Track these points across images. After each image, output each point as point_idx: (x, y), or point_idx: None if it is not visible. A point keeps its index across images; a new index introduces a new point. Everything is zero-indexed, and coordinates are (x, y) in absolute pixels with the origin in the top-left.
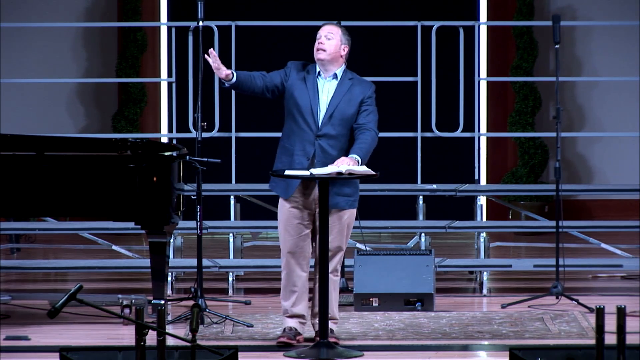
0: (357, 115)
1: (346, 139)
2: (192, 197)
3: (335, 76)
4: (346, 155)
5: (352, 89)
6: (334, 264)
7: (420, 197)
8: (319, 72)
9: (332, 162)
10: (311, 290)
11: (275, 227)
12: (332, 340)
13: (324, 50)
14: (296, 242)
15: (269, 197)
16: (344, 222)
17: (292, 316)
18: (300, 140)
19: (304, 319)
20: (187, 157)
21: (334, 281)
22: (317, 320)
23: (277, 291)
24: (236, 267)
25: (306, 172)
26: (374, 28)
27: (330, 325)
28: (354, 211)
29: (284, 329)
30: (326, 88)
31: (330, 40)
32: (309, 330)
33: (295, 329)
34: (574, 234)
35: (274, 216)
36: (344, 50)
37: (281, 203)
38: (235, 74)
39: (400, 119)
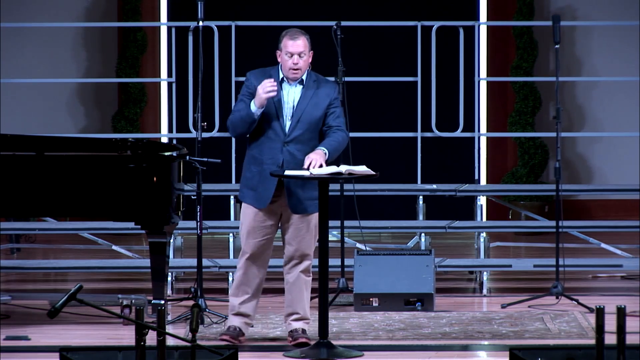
0: (325, 118)
1: (314, 142)
2: (192, 197)
3: (301, 81)
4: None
5: (317, 92)
6: (305, 264)
7: (420, 197)
8: (283, 78)
9: (301, 168)
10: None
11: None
12: (303, 340)
13: (300, 70)
14: (259, 245)
15: None
16: (312, 225)
17: (238, 314)
18: (268, 148)
19: (249, 320)
20: (187, 157)
21: (307, 281)
22: (291, 321)
23: (277, 291)
24: (236, 267)
25: (306, 173)
26: (374, 28)
27: (302, 325)
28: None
29: (229, 327)
30: (292, 93)
31: (303, 56)
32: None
33: (239, 329)
34: (574, 234)
35: None
36: (311, 57)
37: (246, 206)
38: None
39: (400, 119)
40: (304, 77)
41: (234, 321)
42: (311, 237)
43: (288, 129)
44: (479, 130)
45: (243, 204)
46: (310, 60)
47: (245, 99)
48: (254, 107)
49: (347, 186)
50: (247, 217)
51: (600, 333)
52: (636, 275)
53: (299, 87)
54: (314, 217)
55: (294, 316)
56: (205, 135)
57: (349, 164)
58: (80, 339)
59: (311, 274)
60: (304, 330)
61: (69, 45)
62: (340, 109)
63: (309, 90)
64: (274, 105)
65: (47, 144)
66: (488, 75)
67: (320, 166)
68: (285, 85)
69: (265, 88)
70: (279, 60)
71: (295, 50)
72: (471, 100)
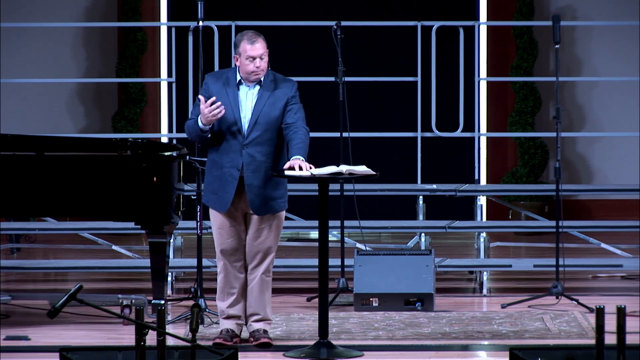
0: (283, 115)
1: (273, 142)
2: (192, 197)
3: (258, 82)
4: (276, 159)
5: (275, 92)
6: (265, 265)
7: (420, 197)
8: (240, 80)
9: (262, 168)
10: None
11: None
12: (265, 341)
13: (262, 71)
14: (231, 244)
15: None
16: (275, 224)
17: (228, 317)
18: (227, 151)
19: (240, 320)
20: (187, 157)
21: (267, 282)
22: (252, 322)
23: (277, 291)
24: None
25: (307, 173)
26: (374, 28)
27: (263, 325)
28: (284, 212)
29: (221, 331)
30: (249, 95)
31: (263, 58)
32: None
33: (232, 331)
34: (574, 234)
35: None
36: (267, 56)
37: (212, 210)
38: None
39: (400, 119)
40: (261, 77)
41: (226, 324)
42: (273, 236)
43: (246, 131)
44: (479, 130)
45: (209, 208)
46: (267, 59)
47: (201, 104)
48: (201, 123)
49: (347, 186)
50: (214, 220)
51: (600, 333)
52: (636, 275)
53: (257, 89)
54: (277, 217)
55: (255, 317)
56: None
57: (349, 164)
58: (80, 339)
59: (271, 274)
60: (265, 331)
61: (69, 45)
62: (299, 105)
63: (266, 90)
64: (231, 109)
65: (47, 144)
66: (488, 75)
67: (300, 169)
68: (242, 87)
69: (212, 111)
70: (237, 64)
71: (255, 53)
72: (471, 100)
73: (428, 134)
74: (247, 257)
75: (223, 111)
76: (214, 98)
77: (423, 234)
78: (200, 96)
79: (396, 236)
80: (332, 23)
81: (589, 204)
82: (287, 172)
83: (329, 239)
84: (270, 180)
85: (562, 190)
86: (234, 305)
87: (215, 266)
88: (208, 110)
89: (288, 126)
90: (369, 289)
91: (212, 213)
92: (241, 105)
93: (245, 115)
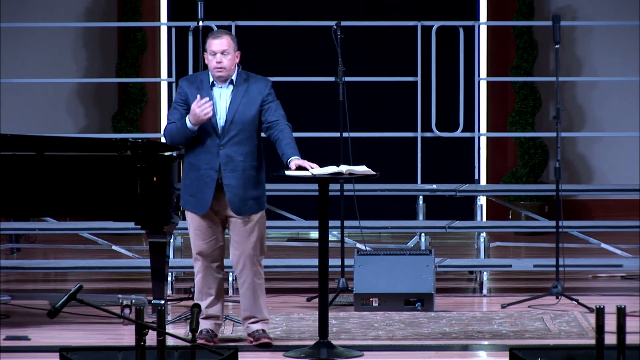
0: (261, 114)
1: (250, 141)
2: None
3: (231, 82)
4: (254, 158)
5: (249, 91)
6: (254, 268)
7: (420, 197)
8: (213, 81)
9: (240, 168)
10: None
11: (276, 227)
12: (265, 341)
13: (224, 68)
14: (208, 245)
15: (269, 197)
16: (258, 225)
17: (207, 317)
18: (204, 153)
19: (218, 320)
20: None
21: (259, 284)
22: (249, 324)
23: (277, 291)
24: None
25: (307, 173)
26: (374, 28)
27: (261, 326)
28: (264, 211)
29: (201, 331)
30: (223, 95)
31: (227, 55)
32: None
33: (212, 331)
34: (574, 234)
35: (274, 216)
36: (237, 57)
37: (189, 212)
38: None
39: (400, 119)
40: (234, 77)
41: (204, 324)
42: (256, 238)
43: (222, 132)
44: (479, 130)
45: (186, 211)
46: (237, 60)
47: (179, 108)
48: (189, 123)
49: (347, 186)
50: (192, 222)
51: (600, 333)
52: (636, 275)
53: (230, 88)
54: (257, 217)
55: (251, 319)
56: None
57: (349, 164)
58: (80, 339)
59: (262, 275)
60: (264, 331)
61: (69, 45)
62: (277, 102)
63: (240, 90)
64: None
65: (47, 144)
66: (488, 75)
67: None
68: (215, 89)
69: (203, 109)
70: (207, 62)
71: (218, 49)
72: (471, 100)
73: (428, 134)
74: (233, 261)
75: (211, 112)
76: (198, 97)
77: (423, 234)
78: (176, 103)
79: (396, 236)
80: (332, 23)
81: (589, 204)
82: (287, 172)
83: (329, 239)
84: (249, 179)
85: (562, 190)
86: (212, 306)
87: None
88: (200, 109)
89: (271, 125)
90: (369, 289)
91: (189, 215)
92: (216, 106)
93: (220, 115)
